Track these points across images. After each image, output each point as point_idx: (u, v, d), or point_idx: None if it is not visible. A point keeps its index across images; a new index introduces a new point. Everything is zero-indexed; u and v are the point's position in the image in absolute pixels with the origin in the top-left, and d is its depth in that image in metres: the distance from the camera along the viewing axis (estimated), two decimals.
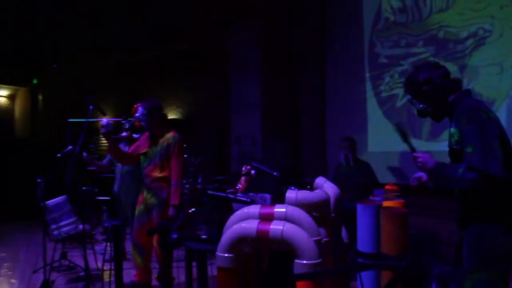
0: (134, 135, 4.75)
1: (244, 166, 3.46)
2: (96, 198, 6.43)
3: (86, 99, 3.83)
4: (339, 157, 5.13)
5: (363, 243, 1.53)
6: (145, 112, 3.87)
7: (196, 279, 2.24)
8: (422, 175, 2.36)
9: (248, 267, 1.82)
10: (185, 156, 5.39)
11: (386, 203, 1.68)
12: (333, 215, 1.98)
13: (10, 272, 4.83)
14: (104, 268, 4.72)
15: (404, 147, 2.33)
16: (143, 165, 3.97)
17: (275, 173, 2.53)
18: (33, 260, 4.86)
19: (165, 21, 9.19)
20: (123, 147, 4.93)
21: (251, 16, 8.07)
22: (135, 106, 3.96)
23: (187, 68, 9.14)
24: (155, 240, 3.85)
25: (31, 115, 12.06)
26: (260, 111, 8.17)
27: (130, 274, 4.27)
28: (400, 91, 6.45)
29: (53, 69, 11.21)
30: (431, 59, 6.21)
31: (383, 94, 6.68)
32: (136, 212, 3.98)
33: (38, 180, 4.26)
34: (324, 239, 1.80)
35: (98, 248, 5.82)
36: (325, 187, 2.29)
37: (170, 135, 3.97)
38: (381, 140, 6.45)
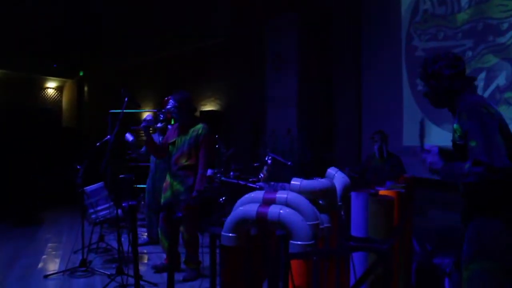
0: (169, 126, 4.97)
1: (266, 157, 3.57)
2: (133, 185, 6.74)
3: (121, 91, 4.05)
4: (373, 149, 5.17)
5: (355, 228, 1.62)
6: (175, 104, 4.05)
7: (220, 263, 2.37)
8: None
9: (254, 248, 1.95)
10: (217, 146, 5.58)
11: (382, 192, 1.75)
12: (340, 203, 2.06)
13: (53, 252, 5.17)
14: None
15: (436, 142, 2.36)
16: (171, 154, 4.15)
17: (289, 163, 2.64)
18: (74, 242, 5.18)
19: (203, 16, 9.41)
20: (157, 138, 5.16)
21: (288, 10, 8.13)
22: (166, 98, 4.14)
23: (225, 61, 9.31)
24: (182, 226, 4.04)
25: (77, 106, 12.60)
26: (296, 104, 8.25)
27: (161, 257, 4.49)
28: None
29: (98, 62, 11.67)
30: (470, 52, 6.10)
31: (419, 88, 6.61)
32: (162, 199, 4.19)
33: (78, 167, 4.53)
34: (326, 225, 1.90)
35: None
36: (336, 177, 2.37)
37: (200, 126, 4.14)
38: (416, 134, 6.40)
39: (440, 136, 5.37)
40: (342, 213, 1.89)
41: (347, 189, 2.20)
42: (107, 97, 10.73)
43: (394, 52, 6.96)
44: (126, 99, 4.07)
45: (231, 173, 3.98)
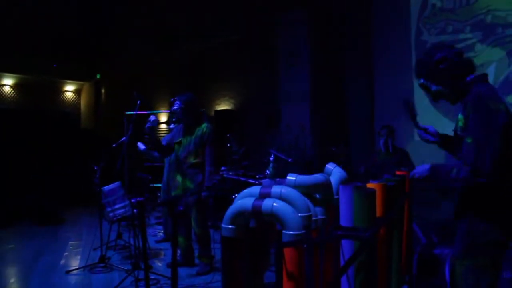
0: (171, 126, 5.11)
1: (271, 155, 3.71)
2: (150, 185, 6.95)
3: (133, 94, 4.23)
4: (379, 144, 5.25)
5: (343, 219, 1.75)
6: (182, 105, 4.23)
7: None
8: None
9: (253, 239, 2.10)
10: (228, 145, 5.73)
11: (369, 185, 1.87)
12: (336, 196, 2.18)
13: (74, 249, 5.40)
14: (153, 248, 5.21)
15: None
16: (177, 153, 4.31)
17: (289, 160, 2.78)
18: (93, 239, 5.40)
19: (215, 14, 9.56)
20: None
21: (299, 6, 8.23)
22: (171, 100, 4.32)
23: (238, 60, 9.44)
24: (193, 221, 4.22)
25: (95, 108, 12.87)
26: (309, 100, 8.35)
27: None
28: None
29: (114, 64, 11.93)
30: (478, 45, 6.14)
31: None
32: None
33: (95, 168, 4.74)
34: (320, 217, 2.03)
35: (150, 230, 6.33)
36: (334, 172, 2.51)
37: (204, 125, 4.32)
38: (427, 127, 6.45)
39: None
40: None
41: (344, 183, 2.33)
42: (123, 99, 10.99)
43: (404, 47, 7.01)
44: (138, 102, 4.26)
45: (222, 168, 4.15)
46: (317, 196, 2.23)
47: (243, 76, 9.55)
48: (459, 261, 2.15)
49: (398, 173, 2.68)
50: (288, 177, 2.13)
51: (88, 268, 4.45)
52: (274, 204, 1.81)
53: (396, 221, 2.33)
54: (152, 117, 4.00)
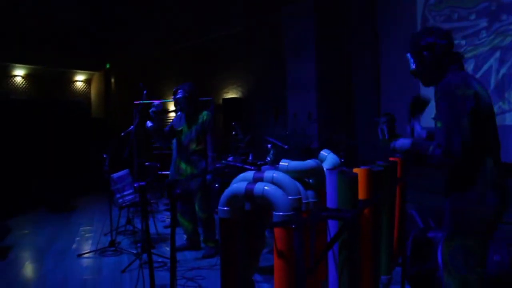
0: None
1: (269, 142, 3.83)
2: (158, 172, 7.13)
3: (139, 85, 4.37)
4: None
5: (329, 201, 1.87)
6: (185, 94, 4.37)
7: None
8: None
9: (249, 222, 2.25)
10: (233, 133, 5.86)
11: (355, 170, 1.99)
12: None
13: (86, 235, 5.60)
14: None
15: None
16: (179, 141, 4.48)
17: (285, 147, 2.91)
18: (104, 225, 5.60)
19: (223, 4, 9.64)
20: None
21: None
22: (174, 89, 4.46)
23: (245, 49, 9.54)
24: (197, 206, 4.38)
25: (105, 97, 13.08)
26: (315, 89, 8.44)
27: (182, 238, 4.84)
28: None
29: (124, 54, 12.08)
30: (484, 32, 6.15)
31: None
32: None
33: (104, 156, 4.91)
34: (311, 200, 2.17)
35: (159, 216, 6.52)
36: (328, 158, 2.64)
37: (204, 113, 4.48)
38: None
39: None
40: None
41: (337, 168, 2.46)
42: (132, 88, 11.16)
43: (410, 35, 7.04)
44: (144, 92, 4.40)
45: (230, 157, 4.28)
46: (310, 181, 2.37)
47: (250, 65, 9.65)
48: (447, 243, 2.22)
49: (390, 159, 2.79)
50: (281, 163, 2.27)
51: (98, 252, 4.65)
52: (265, 187, 1.95)
53: (385, 204, 2.45)
54: (156, 102, 4.15)
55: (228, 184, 2.08)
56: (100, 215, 6.53)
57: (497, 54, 6.09)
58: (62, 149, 9.36)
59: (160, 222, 6.12)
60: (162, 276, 3.92)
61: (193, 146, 4.42)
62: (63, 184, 7.90)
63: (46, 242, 5.26)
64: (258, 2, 9.07)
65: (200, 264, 4.23)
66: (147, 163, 7.07)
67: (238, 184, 2.04)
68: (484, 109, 2.16)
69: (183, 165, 4.47)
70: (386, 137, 5.07)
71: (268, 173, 2.06)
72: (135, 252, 4.41)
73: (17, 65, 11.20)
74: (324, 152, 2.72)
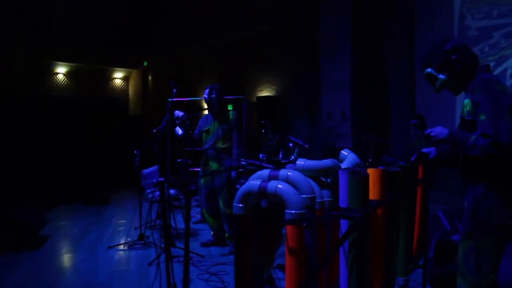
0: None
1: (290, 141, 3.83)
2: (190, 169, 7.25)
3: (173, 82, 4.47)
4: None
5: (341, 200, 1.88)
6: (218, 95, 4.51)
7: None
8: (431, 150, 2.56)
9: (266, 220, 2.29)
10: (263, 131, 5.90)
11: (369, 170, 1.98)
12: None
13: (118, 228, 5.79)
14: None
15: None
16: (206, 140, 4.63)
17: (306, 146, 2.93)
18: (135, 219, 5.77)
19: (259, 2, 9.68)
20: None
21: None
22: (206, 89, 4.57)
23: (280, 47, 9.55)
24: (221, 202, 4.46)
25: (142, 95, 13.39)
26: (350, 88, 8.38)
27: (209, 234, 4.93)
28: (490, 65, 6.25)
29: (161, 52, 12.33)
30: None
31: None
32: (203, 180, 4.63)
33: (135, 152, 5.06)
34: (326, 199, 2.18)
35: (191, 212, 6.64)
36: (348, 157, 2.64)
37: (230, 112, 4.63)
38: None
39: None
40: None
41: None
42: (169, 86, 11.37)
43: (447, 33, 6.85)
44: (174, 90, 4.50)
45: (260, 155, 4.33)
46: (328, 180, 2.39)
47: (285, 64, 9.65)
48: (462, 242, 2.18)
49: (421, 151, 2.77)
50: (297, 162, 2.29)
51: (128, 245, 4.81)
52: (279, 186, 1.97)
53: (403, 205, 2.43)
54: (179, 113, 4.28)
55: None
56: (133, 209, 6.71)
57: None
58: (100, 145, 9.67)
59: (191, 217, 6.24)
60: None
61: (219, 144, 4.56)
62: (100, 178, 8.17)
63: (80, 234, 5.48)
64: None
65: (225, 260, 4.30)
66: (179, 160, 7.20)
67: (253, 181, 2.08)
68: None
69: (211, 163, 4.58)
70: (422, 140, 5.01)
71: (283, 172, 2.09)
72: (163, 246, 4.52)
73: (59, 63, 11.64)
74: (344, 152, 2.72)
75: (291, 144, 3.31)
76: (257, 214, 2.14)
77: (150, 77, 13.27)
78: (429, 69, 2.32)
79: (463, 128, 2.23)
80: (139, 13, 11.86)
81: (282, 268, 3.72)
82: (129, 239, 4.96)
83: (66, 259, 4.56)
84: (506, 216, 2.08)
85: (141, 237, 4.85)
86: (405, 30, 7.58)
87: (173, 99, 4.57)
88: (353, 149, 2.77)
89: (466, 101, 2.20)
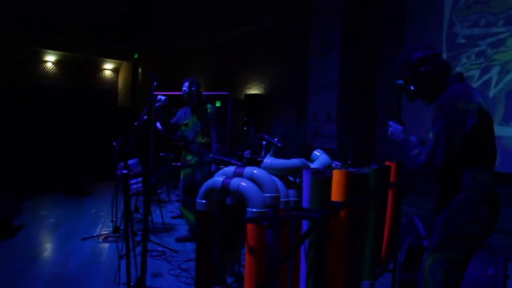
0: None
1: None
2: (172, 163, 7.21)
3: (150, 75, 4.41)
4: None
5: (304, 200, 1.86)
6: (196, 88, 4.46)
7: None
8: None
9: (231, 216, 2.26)
10: (245, 128, 5.87)
11: (334, 171, 1.96)
12: None
13: (95, 219, 5.73)
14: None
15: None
16: (185, 134, 4.59)
17: (279, 144, 2.90)
18: (113, 211, 5.70)
19: (251, 1, 9.65)
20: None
21: None
22: (185, 82, 4.52)
23: (271, 46, 9.54)
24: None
25: (132, 87, 13.28)
26: (337, 89, 8.38)
27: (185, 229, 4.89)
28: (476, 73, 6.27)
29: (152, 45, 12.24)
30: (510, 39, 5.97)
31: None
32: (183, 175, 4.58)
33: (114, 144, 4.99)
34: (292, 198, 2.16)
35: (169, 206, 6.62)
36: (319, 158, 2.62)
37: (208, 106, 4.60)
38: None
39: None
40: None
41: (326, 169, 2.44)
42: (159, 78, 11.26)
43: (436, 40, 6.87)
44: (155, 83, 4.44)
45: (246, 153, 4.29)
46: (297, 180, 2.36)
47: (275, 62, 9.64)
48: (432, 254, 2.16)
49: (386, 163, 2.75)
50: (265, 159, 2.27)
51: (102, 237, 4.75)
52: (242, 183, 1.94)
53: (371, 208, 2.42)
54: (161, 97, 4.22)
55: None
56: (112, 201, 6.64)
57: None
58: (87, 136, 9.55)
59: (169, 212, 6.21)
60: (160, 265, 3.99)
61: (199, 138, 4.55)
62: (86, 169, 8.07)
63: (56, 224, 5.42)
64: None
65: None
66: (161, 154, 7.16)
67: (216, 178, 2.05)
68: (487, 123, 2.08)
69: (189, 157, 4.54)
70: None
71: (249, 169, 2.06)
72: (138, 239, 4.48)
73: (48, 51, 11.50)
74: (316, 152, 2.70)
75: (264, 142, 3.28)
76: (221, 210, 2.11)
77: (140, 70, 13.17)
78: (400, 81, 2.29)
79: None
80: (131, 5, 11.78)
81: None
82: (104, 232, 4.90)
83: (38, 249, 4.48)
84: (477, 228, 2.07)
85: (116, 229, 4.80)
86: (395, 34, 7.61)
87: (155, 93, 4.52)
88: (336, 151, 2.75)
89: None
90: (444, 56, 6.80)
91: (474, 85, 6.19)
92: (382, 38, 7.88)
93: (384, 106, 7.96)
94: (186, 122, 4.61)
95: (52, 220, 5.62)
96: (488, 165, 2.10)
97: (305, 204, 1.87)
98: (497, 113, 5.93)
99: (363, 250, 2.37)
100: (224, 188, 1.96)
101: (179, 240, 4.73)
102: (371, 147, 7.81)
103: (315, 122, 8.80)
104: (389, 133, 2.27)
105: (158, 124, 4.95)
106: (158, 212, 5.55)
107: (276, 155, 3.73)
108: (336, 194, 1.89)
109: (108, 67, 13.11)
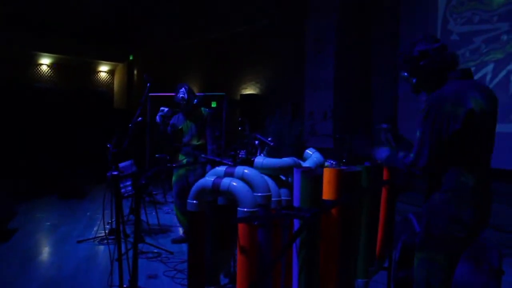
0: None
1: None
2: (168, 164, 7.17)
3: (143, 77, 4.40)
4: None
5: (295, 199, 1.85)
6: (189, 94, 4.54)
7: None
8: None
9: (223, 216, 2.24)
10: (239, 128, 5.87)
11: (325, 169, 1.95)
12: None
13: (90, 222, 5.71)
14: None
15: None
16: (181, 138, 4.65)
17: (272, 143, 2.89)
18: (109, 213, 5.68)
19: (244, 1, 9.63)
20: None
21: None
22: (178, 89, 4.54)
23: (266, 45, 9.51)
24: None
25: (127, 88, 13.26)
26: (333, 88, 8.38)
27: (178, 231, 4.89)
28: None
29: (147, 47, 12.22)
30: (504, 36, 5.98)
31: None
32: (176, 177, 4.58)
33: (108, 146, 4.96)
34: (284, 198, 2.14)
35: (165, 208, 6.60)
36: (312, 157, 2.61)
37: (202, 109, 4.64)
38: None
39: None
40: None
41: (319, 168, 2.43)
42: (154, 80, 11.23)
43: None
44: (148, 84, 4.42)
45: (241, 153, 4.29)
46: (290, 179, 2.35)
47: (270, 62, 9.62)
48: (416, 253, 2.14)
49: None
50: (256, 159, 2.25)
51: (98, 239, 4.73)
52: (232, 183, 1.93)
53: (364, 206, 2.41)
54: (164, 108, 4.26)
55: None
56: (109, 204, 6.62)
57: None
58: (83, 138, 9.52)
59: (165, 213, 6.20)
60: (155, 266, 3.97)
61: (194, 141, 4.59)
62: (82, 171, 8.04)
63: (51, 227, 5.39)
64: None
65: None
66: (157, 155, 7.13)
67: (207, 178, 2.04)
68: (477, 127, 2.02)
69: (185, 160, 4.57)
70: (393, 145, 5.00)
71: (239, 169, 2.05)
72: (133, 241, 4.45)
73: (43, 53, 11.46)
74: (309, 151, 2.69)
75: (256, 142, 3.27)
76: (213, 211, 2.10)
77: (135, 71, 13.16)
78: (404, 73, 2.27)
79: None
80: (126, 6, 11.75)
81: None
82: (100, 234, 4.88)
83: (33, 252, 4.46)
84: (458, 229, 2.02)
85: (111, 232, 4.77)
86: (390, 32, 7.61)
87: (148, 94, 4.50)
88: (333, 150, 2.73)
89: None
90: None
91: None
92: (377, 36, 7.88)
93: (380, 105, 7.98)
94: (180, 127, 4.68)
95: (47, 223, 5.60)
96: (476, 166, 2.05)
97: (296, 203, 1.86)
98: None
99: (356, 248, 2.36)
100: (215, 188, 1.95)
101: (175, 241, 4.72)
102: (367, 146, 7.81)
103: (311, 121, 8.79)
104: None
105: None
106: (154, 213, 5.53)
107: (270, 154, 3.74)
108: (327, 193, 1.88)
109: (103, 69, 13.10)
